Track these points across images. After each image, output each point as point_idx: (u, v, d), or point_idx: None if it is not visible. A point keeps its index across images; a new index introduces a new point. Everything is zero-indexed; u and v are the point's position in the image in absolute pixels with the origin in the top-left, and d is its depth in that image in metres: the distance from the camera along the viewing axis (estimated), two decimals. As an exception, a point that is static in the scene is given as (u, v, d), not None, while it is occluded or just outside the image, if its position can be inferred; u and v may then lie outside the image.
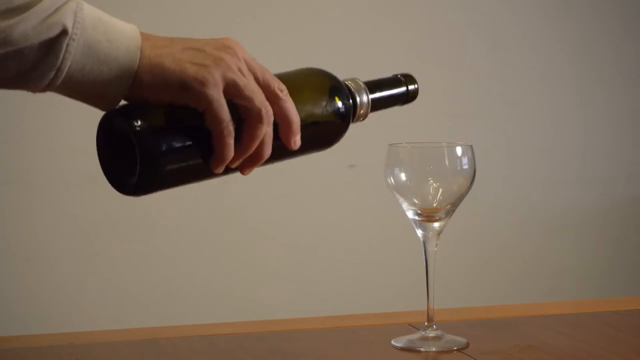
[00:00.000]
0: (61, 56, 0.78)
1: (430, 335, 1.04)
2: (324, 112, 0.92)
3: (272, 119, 0.86)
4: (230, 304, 2.41)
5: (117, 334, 1.15)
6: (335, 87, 0.94)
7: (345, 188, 2.51)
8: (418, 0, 2.57)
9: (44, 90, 0.81)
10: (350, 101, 0.94)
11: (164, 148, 0.82)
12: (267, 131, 0.86)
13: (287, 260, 2.47)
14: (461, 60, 2.59)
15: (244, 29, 2.38)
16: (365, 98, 0.95)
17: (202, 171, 0.86)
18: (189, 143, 0.84)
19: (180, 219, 2.40)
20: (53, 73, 0.79)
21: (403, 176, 1.03)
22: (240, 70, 0.84)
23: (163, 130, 0.83)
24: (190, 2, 2.39)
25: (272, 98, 0.86)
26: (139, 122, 0.82)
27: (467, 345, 1.04)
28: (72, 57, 0.79)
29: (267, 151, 0.87)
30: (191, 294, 2.40)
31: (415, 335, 1.05)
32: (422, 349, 1.03)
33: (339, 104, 0.93)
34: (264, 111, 0.85)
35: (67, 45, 0.78)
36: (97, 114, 0.85)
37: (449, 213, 1.05)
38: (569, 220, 2.69)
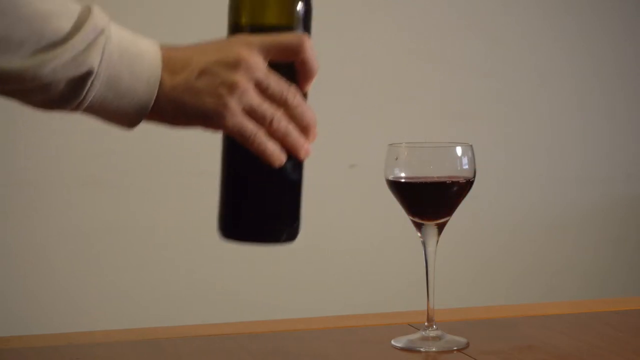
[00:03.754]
0: (84, 92, 0.81)
1: (430, 335, 1.05)
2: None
3: (283, 128, 0.88)
4: (230, 304, 2.41)
5: (118, 334, 1.15)
6: None
7: (345, 188, 2.51)
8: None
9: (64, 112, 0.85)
10: None
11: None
12: (286, 129, 0.88)
13: (287, 260, 2.47)
14: (460, 60, 2.59)
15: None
16: None
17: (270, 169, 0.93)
18: (242, 161, 0.90)
19: (180, 220, 2.40)
20: (75, 105, 0.82)
21: (403, 176, 1.03)
22: (255, 86, 0.86)
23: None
24: (189, 2, 2.39)
25: (285, 104, 0.88)
26: None
27: (467, 345, 1.04)
28: (94, 92, 0.82)
29: (298, 142, 0.90)
30: (191, 294, 2.40)
31: (415, 335, 1.05)
32: (422, 349, 1.03)
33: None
34: (275, 121, 0.87)
35: (91, 84, 0.81)
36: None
37: (449, 213, 1.05)
38: (569, 219, 2.69)
